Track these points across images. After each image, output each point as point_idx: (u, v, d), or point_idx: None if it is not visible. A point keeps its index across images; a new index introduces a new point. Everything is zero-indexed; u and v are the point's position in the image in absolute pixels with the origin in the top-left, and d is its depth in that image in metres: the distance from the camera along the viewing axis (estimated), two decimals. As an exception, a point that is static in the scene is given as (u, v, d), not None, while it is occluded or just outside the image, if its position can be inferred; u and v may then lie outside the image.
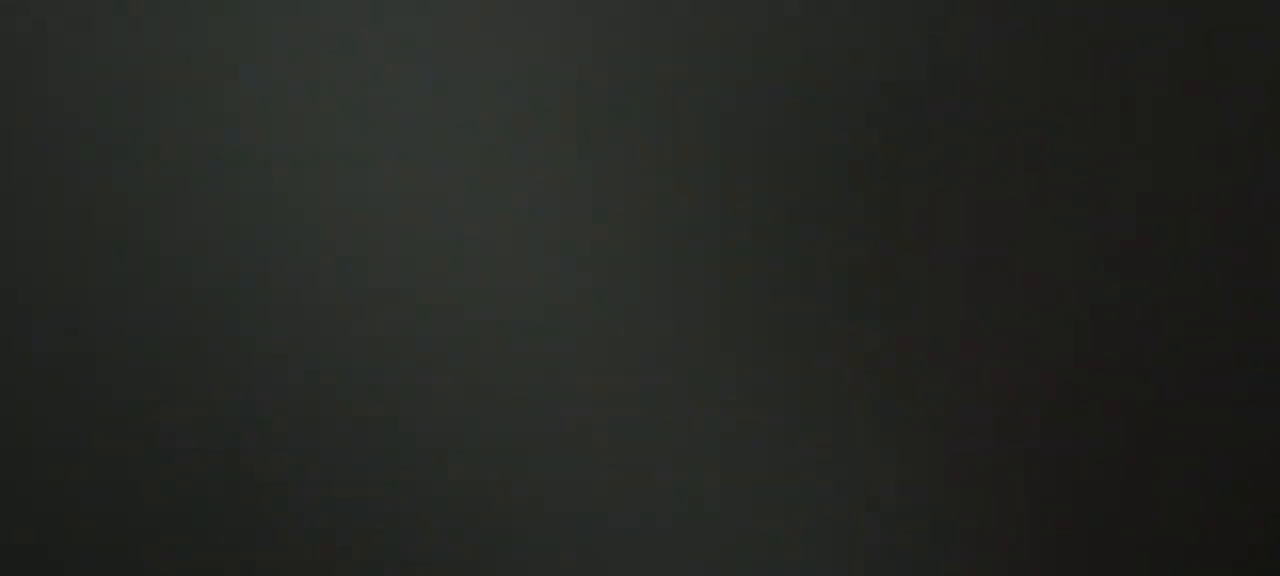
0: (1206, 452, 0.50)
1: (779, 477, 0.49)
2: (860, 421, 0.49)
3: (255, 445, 0.48)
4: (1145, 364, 0.50)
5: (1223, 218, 0.50)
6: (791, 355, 0.49)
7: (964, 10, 0.49)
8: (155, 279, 0.48)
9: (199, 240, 0.48)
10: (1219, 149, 0.50)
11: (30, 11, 0.48)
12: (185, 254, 0.48)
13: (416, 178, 0.49)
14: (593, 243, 0.49)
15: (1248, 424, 0.50)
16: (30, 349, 0.48)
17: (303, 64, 0.48)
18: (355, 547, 0.49)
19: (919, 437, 0.49)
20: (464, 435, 0.49)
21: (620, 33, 0.49)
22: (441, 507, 0.49)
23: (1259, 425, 0.50)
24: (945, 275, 0.49)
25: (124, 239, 0.48)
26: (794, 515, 0.49)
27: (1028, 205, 0.49)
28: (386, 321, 0.49)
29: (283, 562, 0.49)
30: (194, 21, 0.48)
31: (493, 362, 0.49)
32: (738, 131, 0.49)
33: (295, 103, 0.48)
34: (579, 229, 0.49)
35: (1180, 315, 0.50)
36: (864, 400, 0.49)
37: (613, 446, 0.49)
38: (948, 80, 0.49)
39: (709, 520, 0.49)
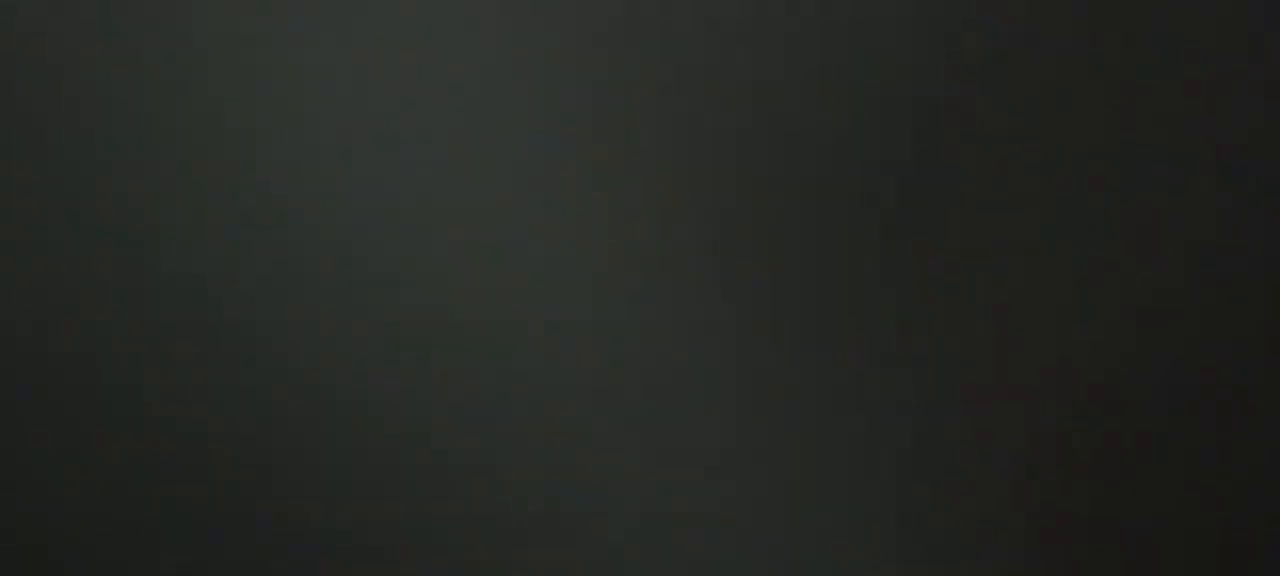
0: (1216, 457, 0.50)
1: (794, 484, 0.49)
2: (876, 427, 0.49)
3: (255, 445, 0.49)
4: (1166, 375, 0.50)
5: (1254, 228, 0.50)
6: (807, 360, 0.49)
7: (988, 17, 0.49)
8: (156, 278, 0.48)
9: (200, 242, 0.48)
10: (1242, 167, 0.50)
11: (30, 11, 0.48)
12: (186, 254, 0.48)
13: (423, 177, 0.49)
14: (606, 248, 0.49)
15: (1260, 428, 0.50)
16: (27, 348, 0.48)
17: (310, 63, 0.49)
18: (357, 548, 0.49)
19: (939, 444, 0.49)
20: (476, 437, 0.49)
21: (642, 35, 0.49)
22: (450, 511, 0.49)
23: (1266, 427, 0.50)
24: (969, 282, 0.49)
25: (123, 239, 0.48)
26: (811, 521, 0.49)
27: (1044, 211, 0.49)
28: (392, 323, 0.49)
29: (283, 563, 0.49)
30: (195, 20, 0.48)
31: (508, 365, 0.49)
32: (749, 134, 0.49)
33: (299, 102, 0.49)
34: (593, 233, 0.49)
35: (1196, 320, 0.50)
36: (881, 405, 0.49)
37: (623, 450, 0.49)
38: (969, 85, 0.49)
39: (723, 525, 0.49)
